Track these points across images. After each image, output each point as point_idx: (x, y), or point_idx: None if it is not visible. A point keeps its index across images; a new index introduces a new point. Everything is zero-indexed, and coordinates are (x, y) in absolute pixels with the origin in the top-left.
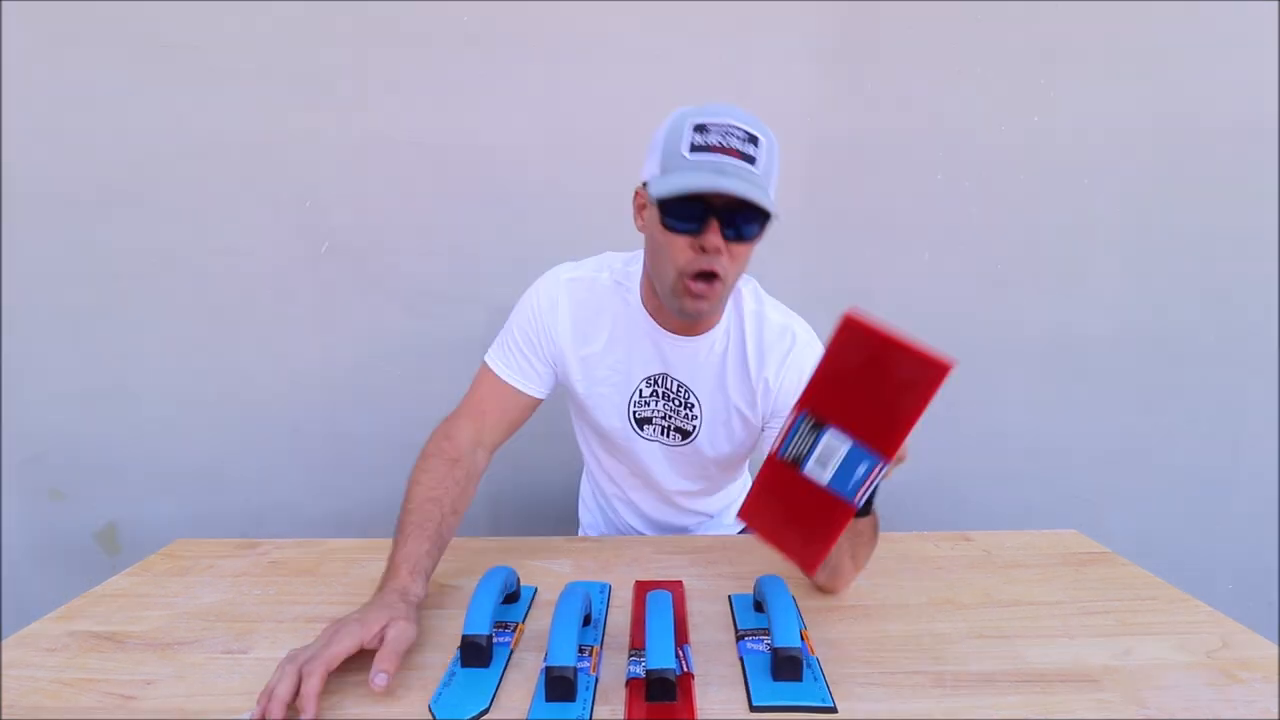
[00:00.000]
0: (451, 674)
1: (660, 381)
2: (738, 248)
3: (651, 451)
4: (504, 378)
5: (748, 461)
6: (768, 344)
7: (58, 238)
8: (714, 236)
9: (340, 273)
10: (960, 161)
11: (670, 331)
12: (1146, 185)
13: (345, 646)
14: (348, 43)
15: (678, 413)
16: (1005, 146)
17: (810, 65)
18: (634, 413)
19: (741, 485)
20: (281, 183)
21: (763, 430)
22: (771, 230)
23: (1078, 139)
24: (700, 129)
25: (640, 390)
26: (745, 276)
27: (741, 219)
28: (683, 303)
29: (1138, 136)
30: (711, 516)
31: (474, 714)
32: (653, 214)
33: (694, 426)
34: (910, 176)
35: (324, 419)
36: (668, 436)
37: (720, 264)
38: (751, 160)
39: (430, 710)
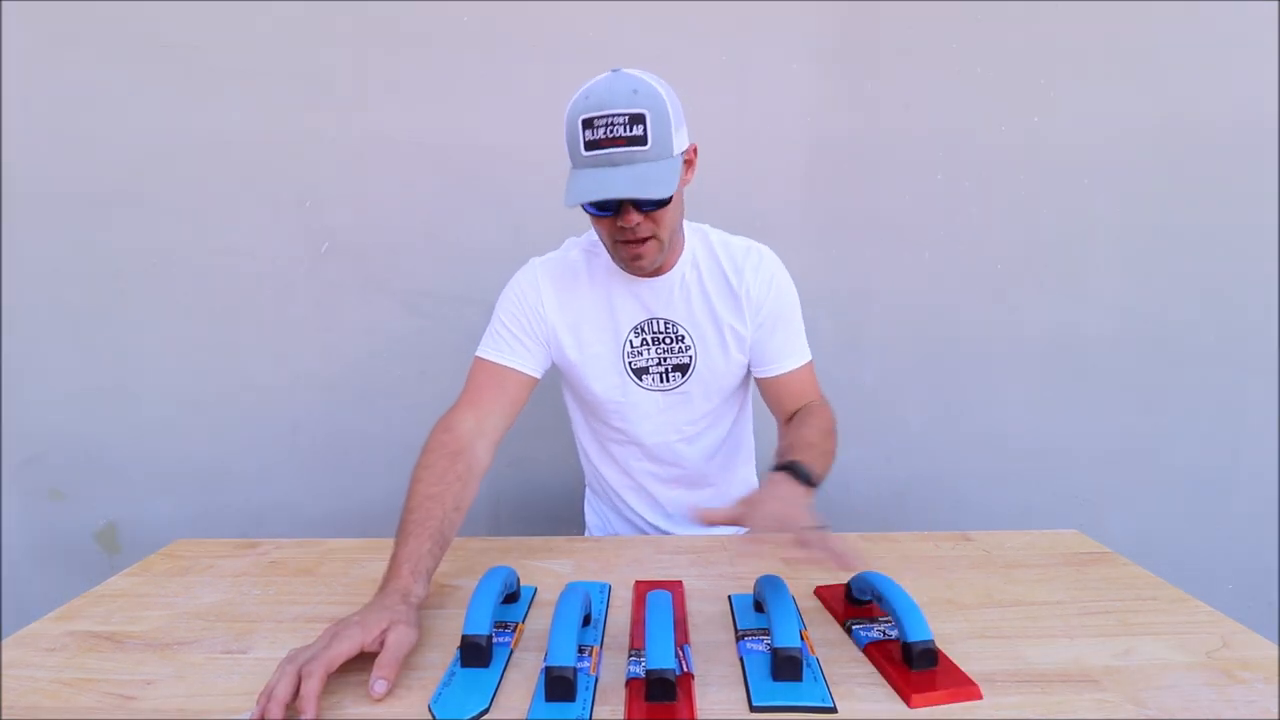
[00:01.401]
0: (451, 674)
1: (647, 327)
2: (658, 212)
3: (654, 404)
4: (497, 360)
5: (749, 442)
6: (739, 260)
7: (58, 238)
8: (630, 217)
9: (340, 273)
10: (960, 161)
11: (642, 276)
12: (1146, 185)
13: (346, 649)
14: (348, 43)
15: (672, 350)
16: (1005, 146)
17: (810, 65)
18: (629, 363)
19: (748, 476)
20: (281, 183)
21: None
22: (772, 230)
23: (1078, 139)
24: (588, 124)
25: (630, 341)
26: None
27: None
28: (628, 265)
29: (1138, 136)
30: (718, 489)
31: (474, 714)
32: None
33: (690, 358)
34: (910, 176)
35: (324, 419)
36: (667, 380)
37: (645, 231)
38: (641, 139)
39: (430, 710)
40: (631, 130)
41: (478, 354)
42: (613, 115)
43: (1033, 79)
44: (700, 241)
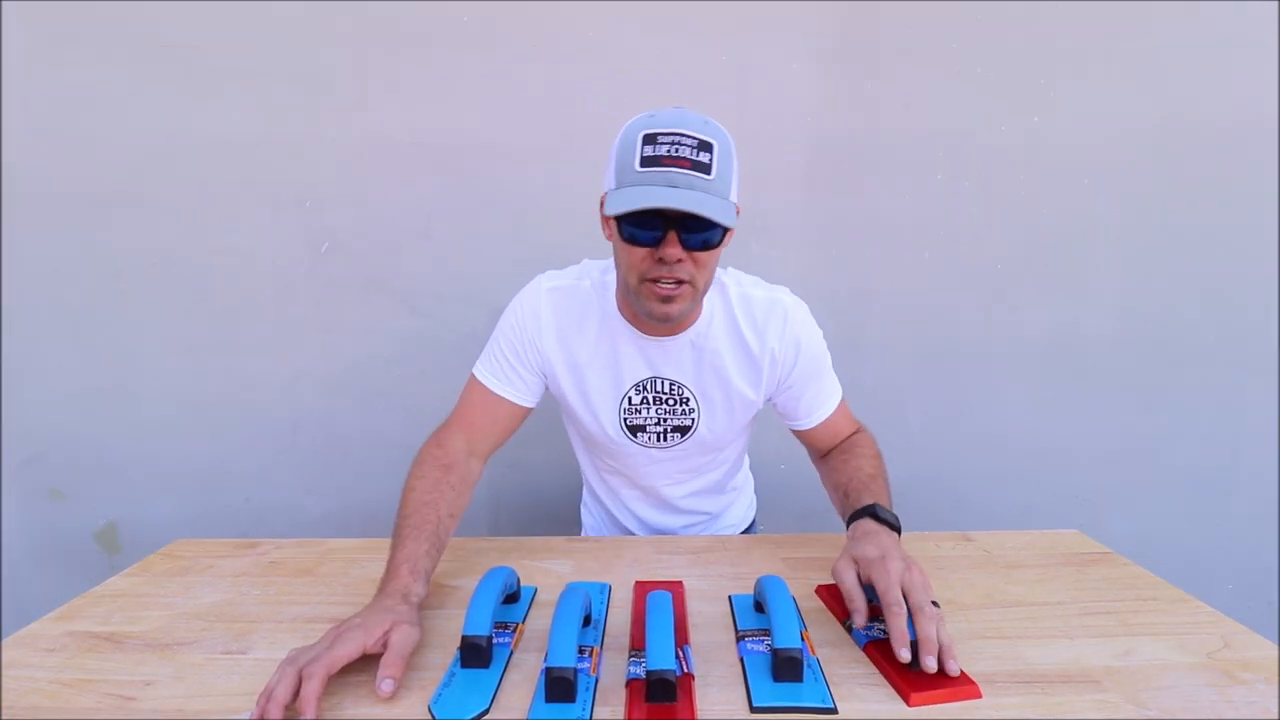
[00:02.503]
0: (451, 674)
1: (650, 385)
2: (701, 255)
3: (647, 456)
4: (492, 389)
5: (744, 457)
6: (760, 321)
7: (58, 238)
8: (673, 249)
9: (340, 273)
10: (960, 161)
11: (649, 335)
12: (1146, 185)
13: (348, 651)
14: (348, 43)
15: (674, 411)
16: (1005, 146)
17: (810, 65)
18: (625, 420)
19: (741, 483)
20: (281, 183)
21: (768, 401)
22: (772, 230)
23: (1078, 139)
24: (650, 140)
25: (630, 397)
26: (722, 267)
27: (700, 227)
28: (651, 306)
29: (1138, 136)
30: (710, 514)
31: (474, 714)
32: (613, 226)
33: (693, 420)
34: (910, 176)
35: (323, 419)
36: (664, 440)
37: (683, 272)
38: (705, 168)
39: (430, 711)
40: (698, 155)
41: (474, 372)
42: (681, 135)
43: (1033, 79)
44: (719, 297)
